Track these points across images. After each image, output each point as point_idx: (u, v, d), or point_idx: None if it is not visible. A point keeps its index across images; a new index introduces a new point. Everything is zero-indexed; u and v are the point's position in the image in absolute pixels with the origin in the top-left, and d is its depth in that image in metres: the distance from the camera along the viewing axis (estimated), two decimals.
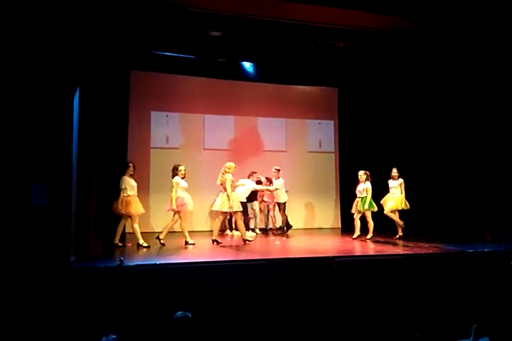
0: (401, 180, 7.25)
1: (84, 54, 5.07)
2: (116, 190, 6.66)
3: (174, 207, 6.30)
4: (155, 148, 8.60)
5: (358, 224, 7.27)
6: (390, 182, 7.33)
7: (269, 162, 8.85)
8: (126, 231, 7.89)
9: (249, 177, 8.13)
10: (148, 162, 8.43)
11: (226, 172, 6.56)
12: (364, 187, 7.12)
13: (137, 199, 6.39)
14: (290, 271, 5.03)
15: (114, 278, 4.47)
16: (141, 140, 8.51)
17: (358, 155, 9.12)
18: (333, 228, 9.43)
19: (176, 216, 6.48)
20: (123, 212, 6.23)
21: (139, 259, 5.24)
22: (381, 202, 7.36)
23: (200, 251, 6.03)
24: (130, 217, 6.31)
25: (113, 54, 6.50)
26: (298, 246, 7.04)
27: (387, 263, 5.41)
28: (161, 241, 6.35)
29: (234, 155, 8.97)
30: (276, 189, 7.99)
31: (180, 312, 2.67)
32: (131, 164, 6.44)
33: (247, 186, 7.96)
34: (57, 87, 4.62)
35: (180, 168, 6.50)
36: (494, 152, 6.73)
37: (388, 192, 7.37)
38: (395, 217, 7.18)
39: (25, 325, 3.93)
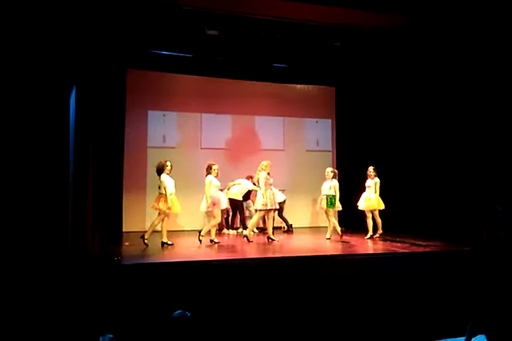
0: (377, 180, 7.17)
1: (80, 52, 5.05)
2: (113, 189, 6.67)
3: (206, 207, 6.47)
4: (152, 147, 8.57)
5: (332, 223, 7.18)
6: (367, 182, 7.25)
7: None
8: (126, 230, 7.95)
9: (246, 179, 8.18)
10: (145, 161, 8.41)
11: (261, 170, 6.66)
12: (331, 185, 7.05)
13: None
14: (288, 269, 5.03)
15: (111, 277, 4.46)
16: (138, 139, 8.48)
17: (355, 153, 9.13)
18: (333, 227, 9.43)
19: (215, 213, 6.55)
20: (168, 210, 6.18)
21: (136, 258, 5.23)
22: (358, 203, 7.31)
23: (199, 250, 6.03)
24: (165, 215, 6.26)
25: (110, 52, 6.50)
26: (295, 244, 7.05)
27: (384, 261, 5.42)
28: (215, 240, 6.49)
29: (231, 154, 8.97)
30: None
31: (178, 312, 2.66)
32: (169, 163, 6.34)
33: (243, 185, 7.98)
34: (54, 85, 4.60)
35: (213, 166, 6.53)
36: (492, 150, 6.74)
37: (364, 191, 7.32)
38: (370, 217, 7.17)
39: (22, 324, 3.92)
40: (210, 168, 6.52)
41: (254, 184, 8.20)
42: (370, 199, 7.12)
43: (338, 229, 7.07)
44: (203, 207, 6.67)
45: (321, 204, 7.15)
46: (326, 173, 7.21)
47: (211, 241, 6.50)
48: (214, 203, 6.43)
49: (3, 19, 4.41)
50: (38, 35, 4.52)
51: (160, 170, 6.28)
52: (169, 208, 6.12)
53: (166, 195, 6.11)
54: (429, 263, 5.49)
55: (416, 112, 8.10)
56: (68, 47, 4.73)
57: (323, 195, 7.11)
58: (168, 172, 6.29)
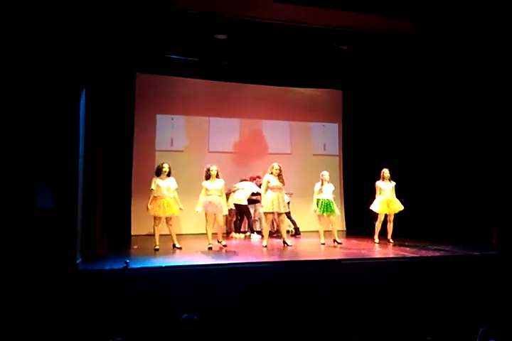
0: (394, 183, 7.08)
1: (90, 57, 5.10)
2: (122, 192, 6.66)
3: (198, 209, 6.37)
4: (160, 150, 8.61)
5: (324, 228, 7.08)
6: (383, 184, 7.03)
7: None
8: (135, 233, 7.99)
9: (250, 180, 8.15)
10: (153, 165, 8.36)
11: (267, 173, 6.65)
12: (333, 189, 7.01)
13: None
14: (296, 273, 5.02)
15: (119, 280, 4.48)
16: (147, 142, 8.52)
17: (362, 158, 9.10)
18: (337, 231, 9.38)
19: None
20: (150, 212, 6.28)
21: (145, 262, 5.24)
22: (377, 206, 6.99)
23: (206, 254, 6.03)
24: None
25: (119, 56, 6.54)
26: (304, 248, 7.02)
27: (393, 266, 5.39)
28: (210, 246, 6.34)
29: (238, 157, 8.98)
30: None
31: (185, 315, 2.67)
32: (166, 165, 6.35)
33: (247, 190, 7.94)
34: (64, 89, 4.65)
35: (210, 168, 6.45)
36: (502, 153, 6.68)
37: (374, 194, 7.08)
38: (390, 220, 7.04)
39: (32, 327, 3.95)
40: (207, 171, 6.46)
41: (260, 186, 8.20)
42: (394, 203, 6.98)
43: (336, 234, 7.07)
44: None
45: (324, 208, 6.89)
46: (323, 176, 7.07)
47: (223, 245, 6.47)
48: (206, 206, 6.31)
49: (16, 24, 4.47)
50: (48, 40, 4.58)
51: (156, 173, 6.33)
52: (147, 208, 6.20)
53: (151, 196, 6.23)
54: (439, 267, 5.45)
55: (423, 116, 8.07)
56: (77, 52, 4.79)
57: (325, 199, 6.92)
58: (165, 174, 6.28)
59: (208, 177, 6.43)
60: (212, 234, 6.54)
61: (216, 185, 6.42)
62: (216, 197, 6.37)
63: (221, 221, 6.57)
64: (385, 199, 6.98)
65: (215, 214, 6.43)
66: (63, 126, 4.63)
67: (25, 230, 4.40)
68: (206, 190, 6.37)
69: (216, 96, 8.92)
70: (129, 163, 8.27)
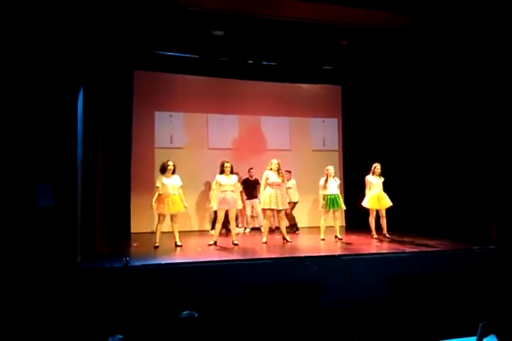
0: (383, 178, 7.03)
1: (88, 54, 5.08)
2: (121, 190, 6.63)
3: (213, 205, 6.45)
4: (159, 148, 8.59)
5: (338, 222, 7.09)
6: (373, 179, 6.97)
7: None
8: (134, 231, 7.99)
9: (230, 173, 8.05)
10: (153, 162, 8.41)
11: (267, 169, 6.66)
12: (337, 184, 6.95)
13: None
14: (295, 269, 5.03)
15: (120, 278, 4.48)
16: (146, 140, 8.51)
17: (362, 153, 9.08)
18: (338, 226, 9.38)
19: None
20: (155, 210, 6.31)
21: (145, 259, 5.24)
22: (367, 201, 6.97)
23: (206, 251, 6.03)
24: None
25: (117, 54, 6.52)
26: (303, 244, 7.03)
27: (392, 260, 5.39)
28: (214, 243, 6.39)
29: (238, 154, 8.96)
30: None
31: (186, 312, 2.67)
32: (171, 162, 6.34)
33: None
34: (62, 87, 4.64)
35: (225, 164, 6.48)
36: (501, 147, 6.68)
37: (364, 189, 7.05)
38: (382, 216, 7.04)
39: (32, 325, 3.95)
40: (222, 166, 6.49)
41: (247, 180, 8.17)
42: (384, 198, 6.96)
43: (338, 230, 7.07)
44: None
45: (330, 204, 6.87)
46: (328, 171, 7.03)
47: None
48: (220, 202, 6.35)
49: (15, 22, 4.45)
50: (46, 37, 4.56)
51: (161, 170, 6.34)
52: (151, 206, 6.22)
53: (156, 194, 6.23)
54: (438, 262, 5.45)
55: (422, 110, 8.06)
56: (76, 49, 4.77)
57: (331, 194, 6.90)
58: (170, 172, 6.28)
59: (221, 172, 6.49)
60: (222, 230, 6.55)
61: (231, 180, 6.47)
62: (229, 192, 6.42)
63: (233, 215, 6.53)
64: (376, 195, 6.94)
65: (227, 210, 6.45)
66: (61, 123, 4.62)
67: (26, 228, 4.40)
68: (220, 185, 6.42)
69: (214, 92, 8.90)
70: (127, 160, 8.26)
